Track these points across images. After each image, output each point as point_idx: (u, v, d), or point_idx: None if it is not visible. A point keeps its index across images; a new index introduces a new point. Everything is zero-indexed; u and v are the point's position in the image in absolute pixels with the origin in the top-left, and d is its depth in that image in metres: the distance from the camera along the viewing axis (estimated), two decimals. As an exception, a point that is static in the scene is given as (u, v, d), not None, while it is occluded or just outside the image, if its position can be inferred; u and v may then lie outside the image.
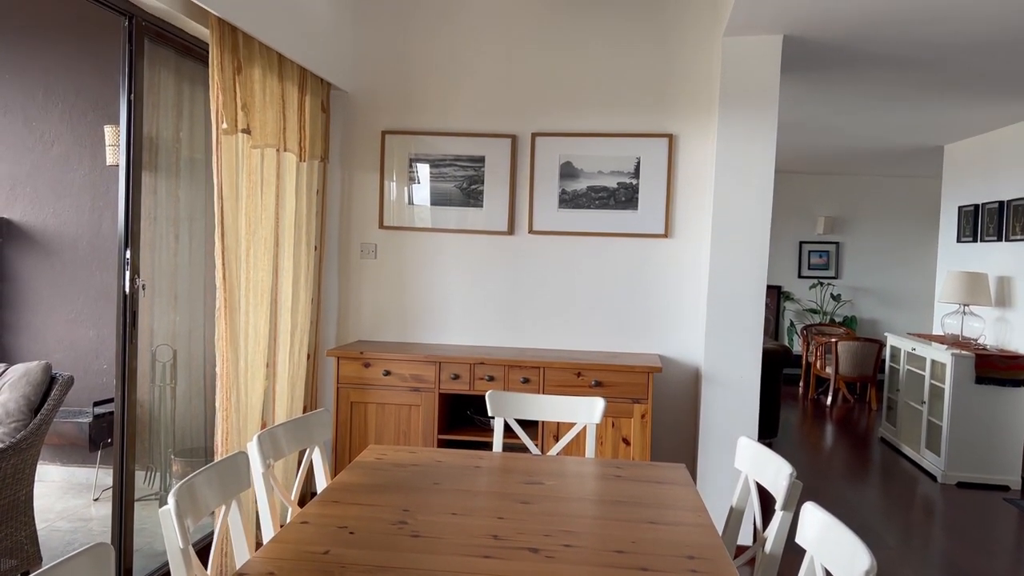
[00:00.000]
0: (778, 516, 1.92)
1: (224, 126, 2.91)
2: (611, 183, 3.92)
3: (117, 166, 4.20)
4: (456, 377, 3.66)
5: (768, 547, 1.91)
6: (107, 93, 4.44)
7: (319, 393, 4.11)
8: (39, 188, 4.52)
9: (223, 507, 1.79)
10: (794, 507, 1.91)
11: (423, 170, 4.07)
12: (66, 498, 4.23)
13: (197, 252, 4.10)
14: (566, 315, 4.03)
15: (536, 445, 3.04)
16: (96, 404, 4.01)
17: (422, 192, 4.08)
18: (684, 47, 3.88)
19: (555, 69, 3.98)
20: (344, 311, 4.20)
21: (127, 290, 2.79)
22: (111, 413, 4.06)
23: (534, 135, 3.98)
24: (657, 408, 3.94)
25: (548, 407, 2.81)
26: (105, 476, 4.33)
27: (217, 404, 3.03)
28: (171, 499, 1.52)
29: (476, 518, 1.91)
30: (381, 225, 4.13)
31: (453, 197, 4.05)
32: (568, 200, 3.95)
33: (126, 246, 2.78)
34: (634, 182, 3.90)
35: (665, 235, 3.90)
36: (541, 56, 3.99)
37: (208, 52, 3.20)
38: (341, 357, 3.74)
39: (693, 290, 3.92)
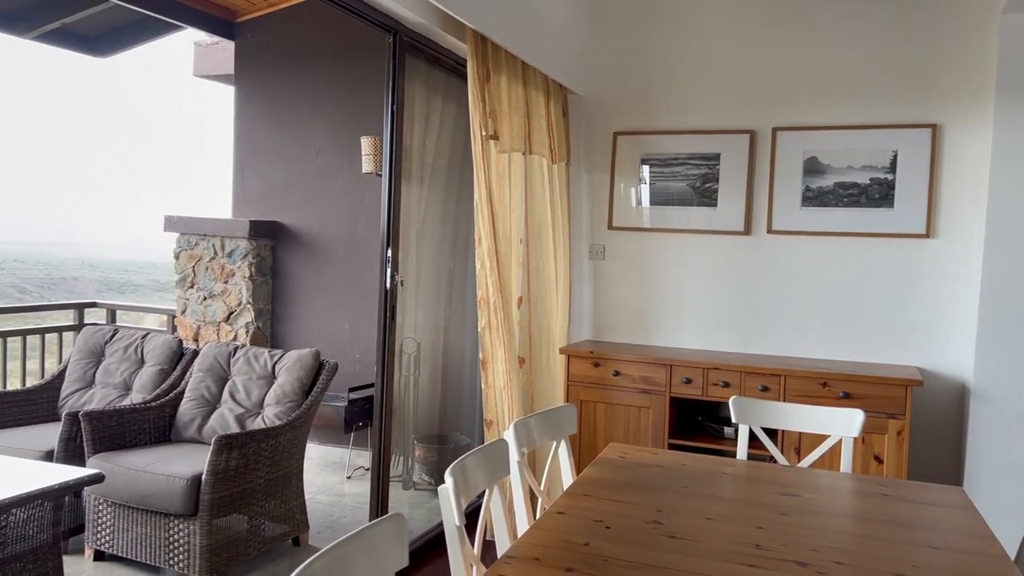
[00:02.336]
0: (1097, 555, 1.66)
1: (481, 133, 3.07)
2: (862, 179, 3.62)
3: (371, 174, 4.60)
4: (688, 381, 3.58)
5: (1084, 590, 1.65)
6: (362, 106, 4.87)
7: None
8: (305, 195, 5.06)
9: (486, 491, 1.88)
10: (1119, 547, 1.64)
11: (654, 170, 4.03)
12: (323, 474, 4.69)
13: (439, 252, 4.38)
14: (807, 320, 3.79)
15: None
16: (351, 390, 4.40)
17: (652, 192, 4.04)
18: (949, 26, 3.50)
19: (797, 58, 3.77)
20: (574, 310, 4.26)
21: (387, 286, 3.03)
22: (364, 399, 4.44)
23: (775, 130, 3.79)
24: (913, 425, 3.59)
25: (797, 416, 2.65)
26: (356, 457, 4.74)
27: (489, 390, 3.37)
28: (449, 478, 1.61)
29: (733, 525, 1.84)
30: (610, 226, 4.15)
31: (685, 196, 3.97)
32: (812, 198, 3.72)
33: (388, 246, 3.02)
34: (889, 177, 3.58)
35: (927, 235, 3.54)
36: (781, 45, 3.79)
37: (455, 60, 3.40)
38: (571, 355, 3.80)
39: (960, 296, 3.51)
